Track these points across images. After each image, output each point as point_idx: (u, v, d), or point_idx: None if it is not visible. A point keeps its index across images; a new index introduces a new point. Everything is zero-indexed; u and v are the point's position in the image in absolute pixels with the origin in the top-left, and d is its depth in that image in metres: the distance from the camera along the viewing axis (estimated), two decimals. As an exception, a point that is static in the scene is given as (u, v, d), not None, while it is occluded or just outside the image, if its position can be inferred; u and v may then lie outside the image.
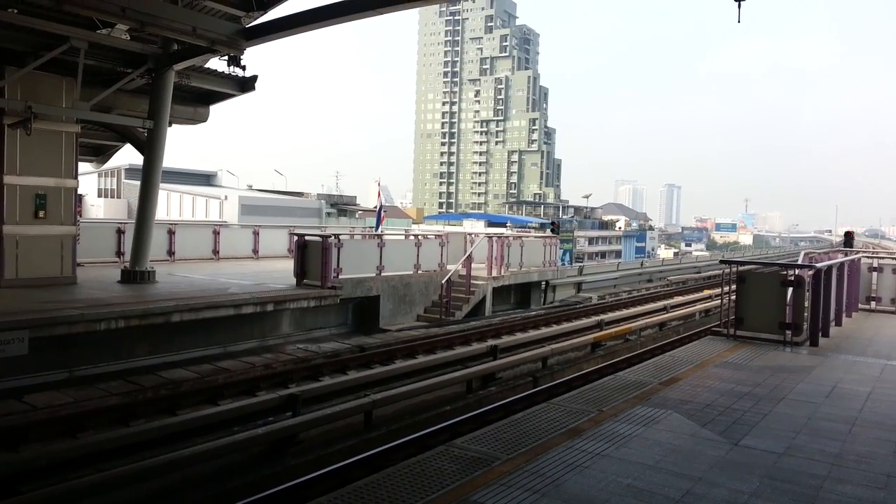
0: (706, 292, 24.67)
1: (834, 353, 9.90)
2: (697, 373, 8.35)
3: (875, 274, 15.15)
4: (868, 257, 16.38)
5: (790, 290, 10.34)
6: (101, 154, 20.04)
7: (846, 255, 15.80)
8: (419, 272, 17.19)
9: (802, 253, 15.51)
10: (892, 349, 10.54)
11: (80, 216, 20.95)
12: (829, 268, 11.45)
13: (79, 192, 15.36)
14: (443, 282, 17.12)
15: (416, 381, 10.14)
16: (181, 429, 7.50)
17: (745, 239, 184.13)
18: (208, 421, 7.80)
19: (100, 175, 41.55)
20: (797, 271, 10.55)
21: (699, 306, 20.78)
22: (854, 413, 6.77)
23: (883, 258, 16.47)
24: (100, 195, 42.43)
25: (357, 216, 52.06)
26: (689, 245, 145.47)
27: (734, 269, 10.98)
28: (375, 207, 23.79)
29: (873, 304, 15.04)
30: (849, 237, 25.09)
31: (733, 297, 10.82)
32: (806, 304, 10.47)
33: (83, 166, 19.64)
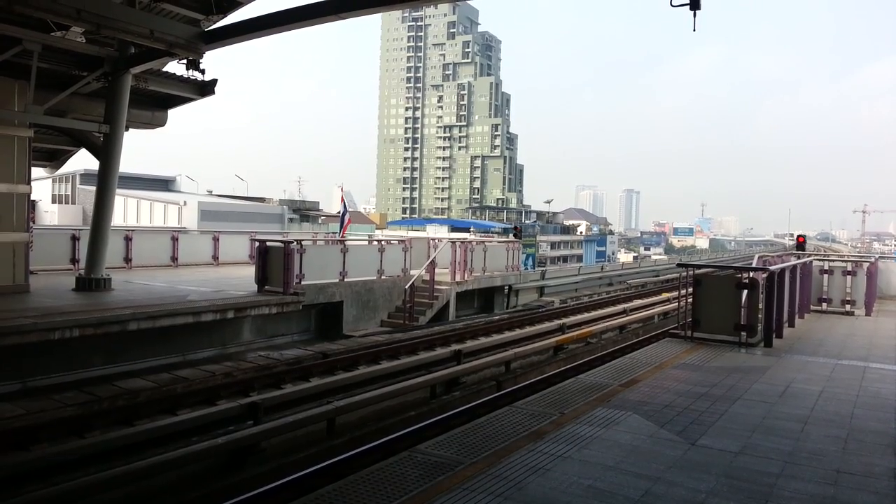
0: (664, 295, 25.10)
1: (787, 354, 10.18)
2: (656, 374, 8.50)
3: (826, 276, 15.64)
4: (819, 260, 16.90)
5: (745, 292, 10.59)
6: (55, 159, 19.53)
7: (798, 258, 16.28)
8: (383, 277, 17.15)
9: (756, 256, 15.92)
10: (842, 349, 10.87)
11: (34, 223, 20.37)
12: (782, 270, 11.77)
13: (32, 197, 14.93)
14: (406, 287, 17.11)
15: (380, 386, 10.11)
16: (138, 439, 7.35)
17: (702, 243, 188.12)
18: (166, 431, 7.65)
19: (54, 181, 40.66)
20: (751, 274, 10.82)
21: (658, 309, 21.14)
22: (806, 412, 6.96)
23: (833, 261, 16.99)
24: (54, 201, 41.41)
25: (320, 221, 51.79)
26: (648, 249, 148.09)
27: (691, 273, 11.21)
28: (339, 213, 23.64)
29: (824, 305, 15.52)
30: (801, 241, 25.89)
31: (690, 300, 11.03)
32: (760, 305, 10.72)
33: (36, 171, 19.09)
